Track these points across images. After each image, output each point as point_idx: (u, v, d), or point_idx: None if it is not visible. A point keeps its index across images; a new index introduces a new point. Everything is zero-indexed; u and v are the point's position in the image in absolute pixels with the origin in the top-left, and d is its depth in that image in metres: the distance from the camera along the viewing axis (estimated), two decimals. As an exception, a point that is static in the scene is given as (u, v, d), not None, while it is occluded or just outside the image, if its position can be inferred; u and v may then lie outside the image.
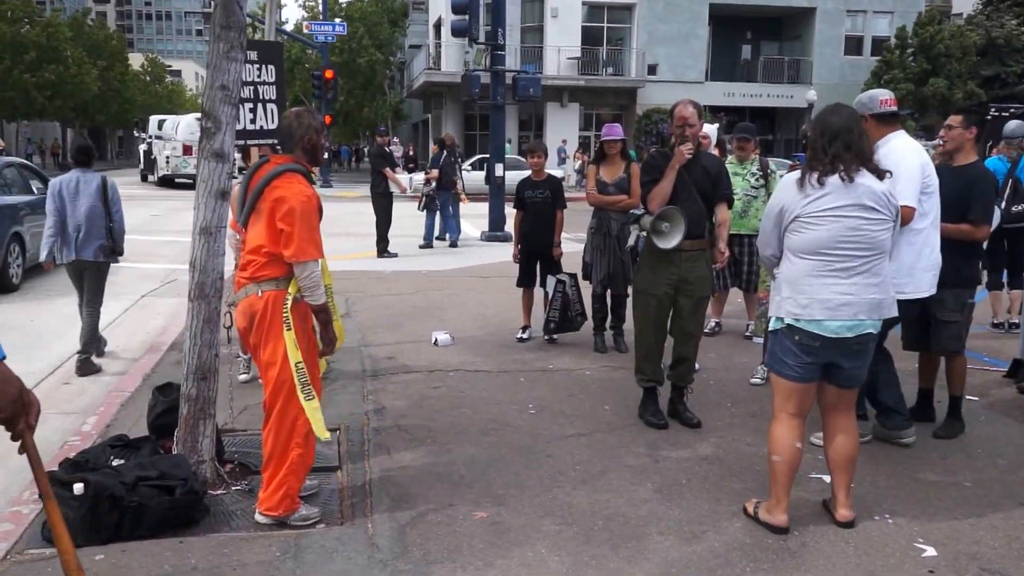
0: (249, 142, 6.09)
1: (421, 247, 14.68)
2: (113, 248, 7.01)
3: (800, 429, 3.99)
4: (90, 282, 7.02)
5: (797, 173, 3.92)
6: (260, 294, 3.89)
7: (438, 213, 15.30)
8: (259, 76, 6.04)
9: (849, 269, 3.77)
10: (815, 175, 3.79)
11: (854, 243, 3.75)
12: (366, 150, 61.11)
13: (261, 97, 6.07)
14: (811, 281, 3.80)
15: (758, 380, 6.41)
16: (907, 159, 4.78)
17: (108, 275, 7.18)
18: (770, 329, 4.02)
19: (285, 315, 3.86)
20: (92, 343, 7.04)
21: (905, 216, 4.81)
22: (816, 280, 3.79)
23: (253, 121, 6.06)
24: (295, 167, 3.95)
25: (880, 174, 3.82)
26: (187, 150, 29.22)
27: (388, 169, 13.93)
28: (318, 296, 3.88)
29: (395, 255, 13.48)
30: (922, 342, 5.45)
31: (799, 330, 3.82)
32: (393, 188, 13.96)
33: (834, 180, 3.76)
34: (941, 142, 5.40)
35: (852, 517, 4.05)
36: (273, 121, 6.10)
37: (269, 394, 4.00)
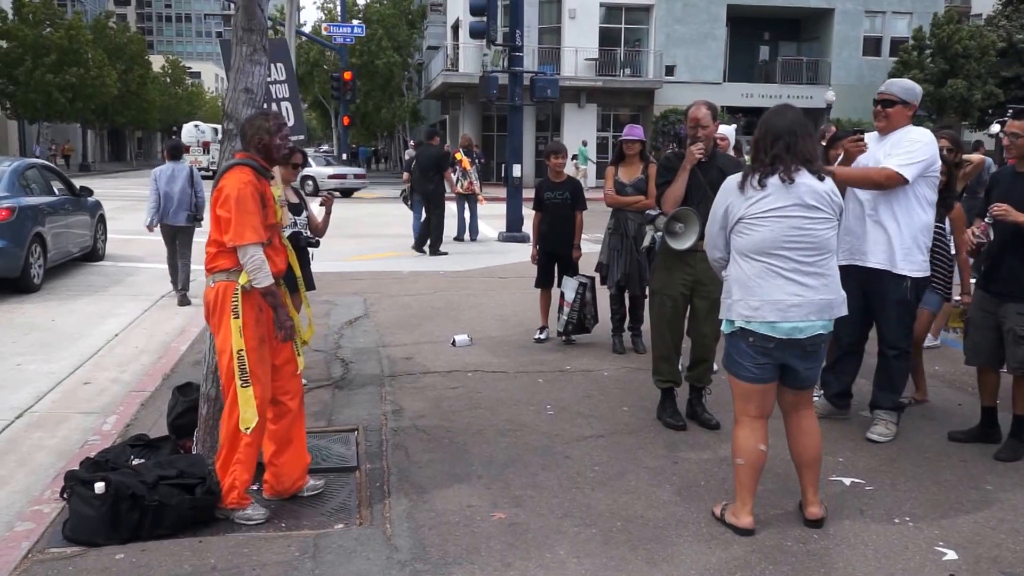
0: None
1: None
2: (195, 215, 9.62)
3: (763, 431, 3.99)
4: (181, 242, 9.74)
5: (739, 176, 3.94)
6: (212, 284, 4.01)
7: (465, 209, 15.65)
8: (270, 76, 6.05)
9: (797, 270, 3.78)
10: (756, 176, 3.82)
11: (799, 243, 3.76)
12: (382, 150, 61.26)
13: (275, 96, 6.08)
14: (760, 283, 3.81)
15: None
16: (923, 138, 4.95)
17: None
18: (723, 332, 4.03)
19: (234, 304, 3.94)
20: (187, 284, 9.73)
21: (892, 179, 4.86)
22: (765, 282, 3.80)
23: None
24: (245, 161, 4.05)
25: (821, 174, 3.84)
26: (185, 149, 37.09)
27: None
28: (261, 278, 3.92)
29: (446, 253, 13.77)
30: (990, 358, 5.07)
31: (752, 332, 3.84)
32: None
33: (774, 181, 3.78)
34: (1003, 155, 5.16)
35: (822, 515, 4.06)
36: (290, 119, 6.10)
37: (224, 382, 4.05)
